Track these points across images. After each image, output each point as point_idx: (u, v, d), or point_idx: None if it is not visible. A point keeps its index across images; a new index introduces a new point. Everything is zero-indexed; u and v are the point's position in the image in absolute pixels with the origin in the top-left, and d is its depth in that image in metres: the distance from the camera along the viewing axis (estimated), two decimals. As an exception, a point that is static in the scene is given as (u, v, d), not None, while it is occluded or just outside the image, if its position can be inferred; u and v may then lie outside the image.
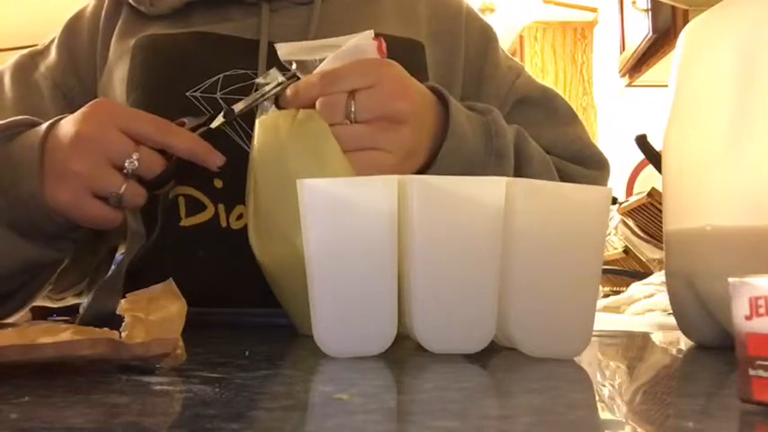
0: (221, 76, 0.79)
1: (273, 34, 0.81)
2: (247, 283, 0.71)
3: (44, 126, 0.68)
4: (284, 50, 0.67)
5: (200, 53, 0.81)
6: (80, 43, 0.87)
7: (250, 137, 0.76)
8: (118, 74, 0.82)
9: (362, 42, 0.65)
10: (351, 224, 0.47)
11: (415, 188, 0.48)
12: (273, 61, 0.78)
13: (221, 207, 0.76)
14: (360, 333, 0.48)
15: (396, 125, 0.63)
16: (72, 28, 0.88)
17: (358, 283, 0.48)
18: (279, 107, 0.65)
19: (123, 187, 0.64)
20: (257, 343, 0.61)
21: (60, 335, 0.40)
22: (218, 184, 0.76)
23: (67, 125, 0.66)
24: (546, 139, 0.81)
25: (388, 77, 0.63)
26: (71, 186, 0.65)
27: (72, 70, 0.86)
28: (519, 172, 0.75)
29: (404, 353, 0.50)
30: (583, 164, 0.85)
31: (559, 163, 0.82)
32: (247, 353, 0.52)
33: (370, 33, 0.66)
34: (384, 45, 0.66)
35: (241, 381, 0.39)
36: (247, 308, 0.75)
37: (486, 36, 0.91)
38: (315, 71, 0.65)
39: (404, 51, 0.82)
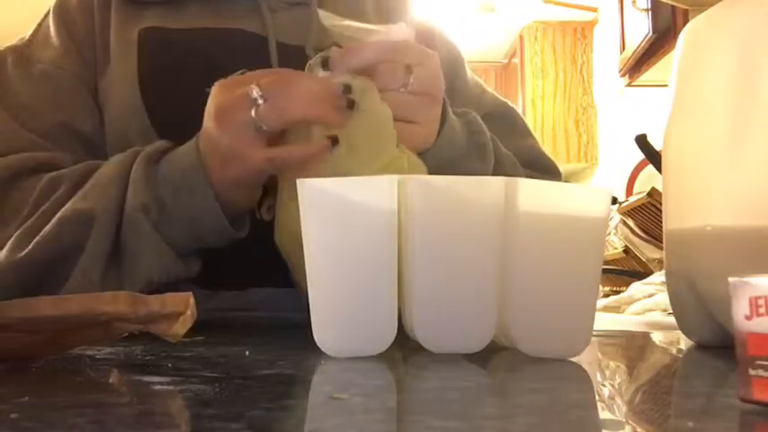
0: (238, 73, 0.79)
1: (276, 33, 0.83)
2: (264, 268, 0.73)
3: (191, 141, 0.70)
4: (328, 20, 0.69)
5: (214, 49, 0.81)
6: (77, 31, 0.85)
7: None
8: (124, 67, 0.81)
9: (404, 30, 0.69)
10: (351, 224, 0.47)
11: (415, 188, 0.48)
12: (285, 60, 0.80)
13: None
14: (360, 333, 0.48)
15: (433, 103, 0.69)
16: (63, 17, 0.86)
17: (358, 283, 0.47)
18: (326, 68, 0.65)
19: (253, 111, 0.64)
20: (257, 343, 0.61)
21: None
22: None
23: (207, 123, 0.68)
24: (507, 149, 0.87)
25: (434, 59, 0.68)
26: (232, 159, 0.66)
27: (78, 58, 0.84)
28: (494, 169, 0.81)
29: (404, 353, 0.50)
30: (538, 171, 0.91)
31: (510, 157, 0.88)
32: (247, 353, 0.52)
33: (402, 25, 0.69)
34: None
35: (241, 381, 0.39)
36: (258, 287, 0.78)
37: (453, 53, 0.96)
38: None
39: None
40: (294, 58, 0.79)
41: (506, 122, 0.93)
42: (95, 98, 0.83)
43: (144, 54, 0.81)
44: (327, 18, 0.69)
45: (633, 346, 0.66)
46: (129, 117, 0.79)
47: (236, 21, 0.83)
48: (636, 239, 2.24)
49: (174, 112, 0.78)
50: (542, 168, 0.92)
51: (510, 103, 0.99)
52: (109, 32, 0.84)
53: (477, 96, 0.94)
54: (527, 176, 0.87)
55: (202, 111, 0.72)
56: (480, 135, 0.79)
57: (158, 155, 0.71)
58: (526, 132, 0.96)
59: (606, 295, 1.90)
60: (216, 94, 0.67)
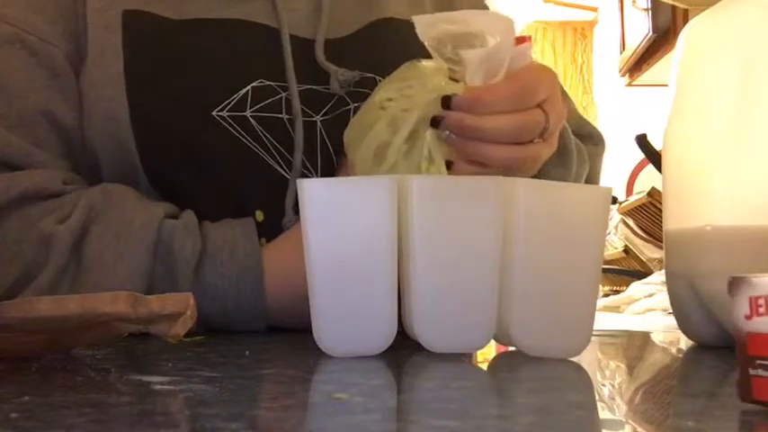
0: (249, 88, 0.69)
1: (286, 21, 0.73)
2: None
3: (251, 274, 0.64)
4: (423, 28, 0.58)
5: (215, 48, 0.70)
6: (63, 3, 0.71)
7: (289, 163, 0.69)
8: (109, 62, 0.69)
9: (524, 47, 0.59)
10: (351, 224, 0.47)
11: (415, 188, 0.48)
12: (299, 57, 0.71)
13: (263, 242, 0.67)
14: (360, 333, 0.48)
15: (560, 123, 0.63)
16: None
17: (358, 283, 0.47)
18: (435, 125, 0.57)
19: None
20: (257, 343, 0.61)
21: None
22: (260, 217, 0.69)
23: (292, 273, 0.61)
24: None
25: (554, 76, 0.62)
26: None
27: (63, 31, 0.70)
28: (571, 165, 0.74)
29: (404, 353, 0.50)
30: (584, 140, 0.82)
31: (570, 135, 0.79)
32: (247, 353, 0.52)
33: (511, 23, 0.57)
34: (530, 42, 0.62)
35: (241, 381, 0.39)
36: None
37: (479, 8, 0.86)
38: (473, 71, 0.57)
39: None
40: (304, 53, 0.72)
41: None
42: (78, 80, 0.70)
43: (130, 53, 0.69)
44: (423, 25, 0.58)
45: (633, 346, 0.66)
46: (112, 117, 0.68)
47: (243, 7, 0.72)
48: (636, 239, 2.24)
49: (162, 120, 0.69)
50: (585, 138, 0.82)
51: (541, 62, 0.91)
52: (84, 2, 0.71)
53: None
54: (578, 142, 0.77)
55: (206, 133, 0.66)
56: (566, 140, 0.72)
57: (195, 255, 0.63)
58: (566, 97, 0.83)
59: (606, 295, 1.90)
60: None
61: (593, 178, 0.83)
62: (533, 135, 0.59)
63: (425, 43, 0.58)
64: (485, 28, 0.57)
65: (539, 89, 0.59)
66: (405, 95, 0.59)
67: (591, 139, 0.84)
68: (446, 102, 0.57)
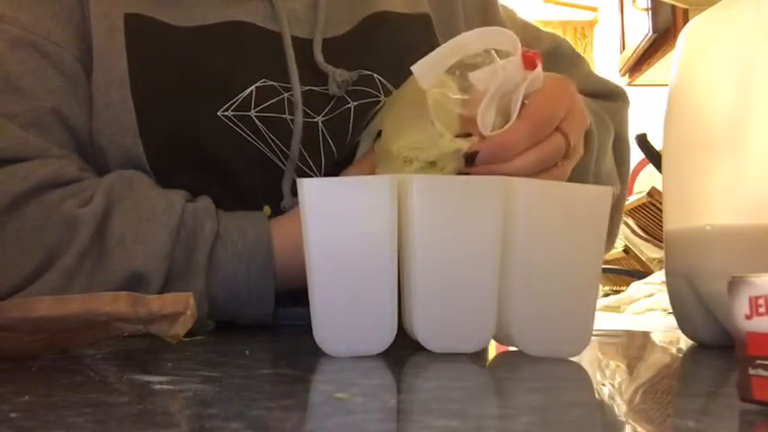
0: (254, 88, 0.70)
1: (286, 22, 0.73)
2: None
3: (262, 251, 0.64)
4: (424, 74, 0.54)
5: (220, 54, 0.71)
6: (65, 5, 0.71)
7: (287, 156, 0.70)
8: (113, 65, 0.70)
9: (536, 74, 0.55)
10: (351, 224, 0.47)
11: (415, 188, 0.48)
12: (298, 58, 0.71)
13: None
14: (360, 333, 0.48)
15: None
16: None
17: (358, 283, 0.47)
18: (469, 164, 0.55)
19: None
20: (257, 343, 0.61)
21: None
22: (267, 212, 0.69)
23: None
24: None
25: (571, 88, 0.60)
26: None
27: (75, 32, 0.71)
28: (592, 148, 0.72)
29: (404, 353, 0.50)
30: (604, 98, 0.81)
31: (588, 103, 0.76)
32: (247, 352, 0.52)
33: (516, 41, 0.54)
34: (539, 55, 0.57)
35: (241, 380, 0.39)
36: None
37: None
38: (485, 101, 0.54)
39: (417, 28, 0.77)
40: (303, 53, 0.72)
41: (556, 56, 0.83)
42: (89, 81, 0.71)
43: (133, 58, 0.70)
44: (423, 72, 0.54)
45: (633, 346, 0.66)
46: (119, 119, 0.69)
47: (242, 8, 0.73)
48: (636, 239, 2.25)
49: (167, 122, 0.69)
50: (607, 95, 0.83)
51: (551, 30, 0.88)
52: (88, 5, 0.71)
53: (519, 26, 0.83)
54: (597, 108, 0.77)
55: (211, 137, 0.66)
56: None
57: (212, 236, 0.64)
58: (577, 59, 0.86)
59: (606, 295, 1.90)
60: None
61: (620, 137, 0.82)
62: (557, 160, 0.59)
63: (432, 90, 0.56)
64: (487, 45, 0.55)
65: (556, 114, 0.58)
66: (416, 148, 0.58)
67: (613, 96, 0.83)
68: (470, 159, 0.55)
